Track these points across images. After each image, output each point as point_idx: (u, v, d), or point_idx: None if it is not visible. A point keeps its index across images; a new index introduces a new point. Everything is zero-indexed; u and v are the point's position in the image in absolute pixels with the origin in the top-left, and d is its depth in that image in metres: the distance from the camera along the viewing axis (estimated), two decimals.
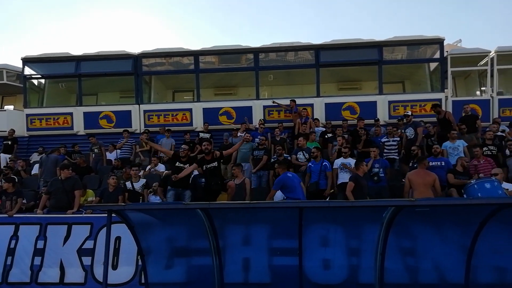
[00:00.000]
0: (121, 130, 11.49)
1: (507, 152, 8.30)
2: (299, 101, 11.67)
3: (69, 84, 13.60)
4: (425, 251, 4.68)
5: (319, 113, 11.96)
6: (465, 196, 6.38)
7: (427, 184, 6.83)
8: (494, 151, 8.35)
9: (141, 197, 7.98)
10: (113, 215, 4.26)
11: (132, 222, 4.51)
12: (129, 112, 12.55)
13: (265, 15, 60.75)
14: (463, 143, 8.61)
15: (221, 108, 12.40)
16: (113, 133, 12.09)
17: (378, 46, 11.97)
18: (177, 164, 7.43)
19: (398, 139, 9.50)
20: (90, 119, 12.60)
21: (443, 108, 11.08)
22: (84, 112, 12.69)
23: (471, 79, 13.32)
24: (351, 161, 7.96)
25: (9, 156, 11.37)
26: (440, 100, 11.46)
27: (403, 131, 9.69)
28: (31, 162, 11.16)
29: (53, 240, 6.74)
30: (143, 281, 5.12)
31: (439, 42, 11.91)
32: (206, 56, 12.76)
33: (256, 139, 10.04)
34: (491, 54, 11.87)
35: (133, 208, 4.54)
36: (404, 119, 9.87)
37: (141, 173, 8.84)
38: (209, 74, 13.10)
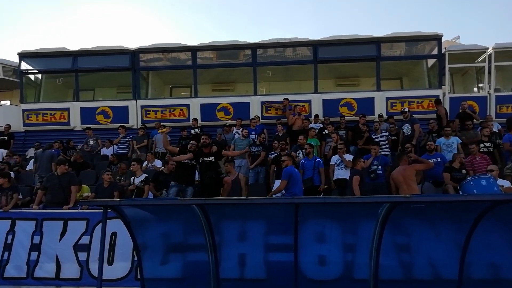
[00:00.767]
0: (117, 125, 11.47)
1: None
2: (297, 97, 11.67)
3: (66, 79, 13.52)
4: (420, 247, 4.70)
5: (317, 109, 11.95)
6: (461, 192, 6.40)
7: (407, 179, 6.93)
8: (490, 148, 8.36)
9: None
10: (109, 210, 4.26)
11: (127, 217, 4.51)
12: (126, 107, 12.50)
13: (263, 11, 60.55)
14: (457, 139, 8.64)
15: (219, 104, 12.37)
16: (110, 128, 12.04)
17: (376, 42, 11.93)
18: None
19: (387, 134, 9.50)
20: (87, 115, 12.54)
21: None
22: (81, 108, 12.64)
23: (468, 76, 13.31)
24: (348, 157, 8.01)
25: (6, 151, 11.32)
26: (437, 96, 11.46)
27: (401, 128, 9.70)
28: (27, 157, 11.13)
29: (49, 236, 6.76)
30: (138, 276, 5.11)
31: (437, 38, 11.89)
32: (203, 51, 12.71)
33: (251, 135, 10.04)
34: (489, 50, 11.85)
35: (129, 203, 4.53)
36: (402, 116, 9.86)
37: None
38: (207, 70, 13.06)
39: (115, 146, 10.92)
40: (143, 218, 4.73)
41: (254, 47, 12.30)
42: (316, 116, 11.26)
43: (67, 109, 12.64)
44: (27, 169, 10.41)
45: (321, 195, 7.74)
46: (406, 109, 9.87)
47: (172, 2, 59.73)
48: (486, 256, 4.64)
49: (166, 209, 4.76)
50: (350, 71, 13.51)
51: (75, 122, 12.60)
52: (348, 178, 7.47)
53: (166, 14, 61.68)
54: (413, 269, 4.82)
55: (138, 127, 11.73)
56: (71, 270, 6.52)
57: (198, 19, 62.77)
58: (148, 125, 11.69)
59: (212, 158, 7.31)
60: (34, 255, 6.65)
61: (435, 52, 12.02)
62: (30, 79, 13.58)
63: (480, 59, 12.25)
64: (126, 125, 11.75)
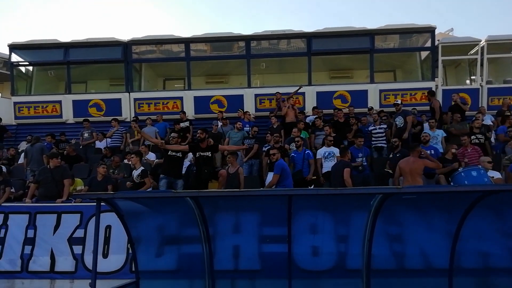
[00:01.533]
0: (110, 118, 11.39)
1: (492, 140, 8.41)
2: (290, 90, 11.67)
3: (57, 72, 13.40)
4: (412, 237, 4.76)
5: (311, 101, 11.97)
6: (452, 183, 6.48)
7: (414, 172, 6.87)
8: (481, 140, 8.46)
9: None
10: (102, 204, 4.25)
11: (121, 210, 4.50)
12: (119, 100, 12.44)
13: (258, 2, 60.09)
14: (442, 133, 8.79)
15: (213, 96, 12.34)
16: (103, 121, 11.96)
17: (369, 34, 11.95)
18: (169, 153, 7.43)
19: (385, 126, 9.57)
20: (80, 107, 12.46)
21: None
22: (73, 100, 12.55)
23: (461, 68, 13.41)
24: (335, 150, 8.08)
25: None
26: (430, 88, 11.53)
27: (393, 120, 9.76)
28: (19, 151, 11.03)
29: (43, 229, 6.75)
30: (133, 269, 5.13)
31: (430, 30, 11.93)
32: (197, 43, 12.64)
33: (245, 128, 10.04)
34: (481, 43, 11.92)
35: (122, 196, 4.51)
36: (394, 108, 9.90)
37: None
38: (200, 62, 13.01)
39: (108, 139, 10.86)
40: (137, 211, 4.73)
41: (247, 39, 12.26)
42: (315, 108, 11.23)
43: (59, 102, 12.55)
44: (19, 162, 10.33)
45: (312, 186, 7.80)
46: (399, 101, 9.90)
47: None
48: (477, 245, 4.71)
49: (160, 202, 4.76)
50: (344, 63, 13.54)
51: (68, 115, 12.52)
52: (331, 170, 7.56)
53: (161, 5, 61.00)
54: (405, 259, 4.88)
55: (131, 119, 11.67)
56: (66, 263, 6.52)
57: (193, 10, 62.18)
58: (141, 117, 11.63)
59: (209, 153, 7.31)
60: (28, 249, 6.64)
61: (428, 44, 12.06)
62: (21, 71, 13.44)
63: (472, 51, 12.34)
64: (119, 118, 11.68)
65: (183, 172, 7.87)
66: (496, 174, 7.06)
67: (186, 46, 12.37)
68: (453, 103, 10.23)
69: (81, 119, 11.94)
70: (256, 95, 12.18)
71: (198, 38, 12.45)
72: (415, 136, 9.16)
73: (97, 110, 12.44)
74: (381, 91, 11.98)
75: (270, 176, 7.71)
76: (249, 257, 5.10)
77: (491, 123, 9.98)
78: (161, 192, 6.35)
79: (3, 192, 7.24)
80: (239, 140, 9.52)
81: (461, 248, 4.58)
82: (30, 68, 13.43)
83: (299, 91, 11.44)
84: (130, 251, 5.53)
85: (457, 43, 12.36)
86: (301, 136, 8.79)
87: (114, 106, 12.34)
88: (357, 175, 7.71)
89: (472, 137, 8.40)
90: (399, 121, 9.42)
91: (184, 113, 11.61)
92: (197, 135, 7.46)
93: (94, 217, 6.35)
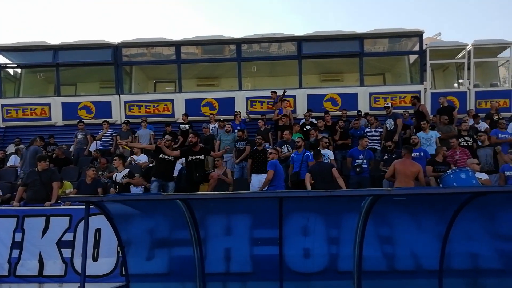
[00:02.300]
0: (101, 121, 11.30)
1: (479, 143, 8.52)
2: (281, 93, 11.68)
3: (46, 74, 13.23)
4: (402, 239, 4.80)
5: (301, 104, 12.01)
6: (441, 185, 6.55)
7: (409, 174, 6.90)
8: (470, 142, 8.58)
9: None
10: (92, 206, 4.20)
11: (111, 213, 4.46)
12: (109, 102, 12.32)
13: (250, 6, 60.29)
14: (436, 134, 8.86)
15: (204, 99, 12.31)
16: (93, 124, 11.83)
17: (359, 38, 12.05)
18: (161, 155, 7.40)
19: (381, 130, 9.65)
20: (69, 110, 12.30)
21: (423, 99, 11.32)
22: (62, 103, 12.38)
23: (449, 72, 13.59)
24: (329, 153, 8.16)
25: None
26: (419, 92, 11.66)
27: (383, 122, 9.86)
28: (7, 153, 10.86)
29: (31, 233, 6.63)
30: (124, 272, 5.08)
31: (418, 35, 12.08)
32: (188, 46, 12.61)
33: (235, 131, 10.04)
34: (468, 47, 12.11)
35: (112, 199, 4.49)
36: (385, 111, 10.00)
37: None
38: (191, 65, 12.98)
39: (98, 142, 10.76)
40: (127, 213, 4.69)
41: (238, 42, 12.27)
42: (309, 111, 11.22)
43: (48, 104, 12.38)
44: (7, 165, 10.18)
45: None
46: (389, 104, 10.01)
47: None
48: (466, 247, 4.77)
49: (150, 205, 4.73)
50: (334, 66, 13.62)
51: (57, 118, 12.36)
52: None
53: (151, 8, 60.84)
54: (396, 260, 4.92)
55: (122, 122, 11.59)
56: (54, 267, 6.43)
57: (183, 13, 62.11)
58: (132, 120, 11.56)
59: (201, 157, 7.32)
60: (16, 253, 6.52)
61: (416, 48, 12.22)
62: (9, 73, 13.26)
63: (460, 55, 12.54)
64: (110, 120, 11.58)
65: (176, 175, 7.86)
66: (483, 176, 7.17)
67: (177, 49, 12.33)
68: (441, 106, 10.38)
69: (70, 122, 11.82)
70: (248, 98, 12.19)
71: (188, 41, 12.41)
72: (406, 139, 9.27)
73: (86, 112, 12.31)
74: (371, 94, 12.08)
75: (254, 178, 7.89)
76: (240, 260, 5.09)
77: (484, 128, 10.08)
78: (151, 194, 6.30)
79: None
80: (230, 143, 9.52)
81: (451, 250, 4.63)
82: (19, 70, 13.25)
83: (285, 94, 11.47)
84: (121, 255, 5.49)
85: (445, 47, 12.54)
86: (293, 138, 8.83)
87: (104, 109, 12.22)
88: (354, 176, 7.75)
89: (461, 139, 8.51)
90: (390, 123, 9.52)
91: (187, 115, 11.55)
92: (189, 139, 7.49)
93: (83, 220, 6.34)
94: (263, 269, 4.96)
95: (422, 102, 10.84)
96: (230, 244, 5.10)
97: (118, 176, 7.87)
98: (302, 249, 4.99)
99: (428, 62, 11.99)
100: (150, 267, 5.08)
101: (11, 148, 11.09)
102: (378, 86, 12.77)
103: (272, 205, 4.51)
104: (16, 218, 6.70)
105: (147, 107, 12.31)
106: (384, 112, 10.03)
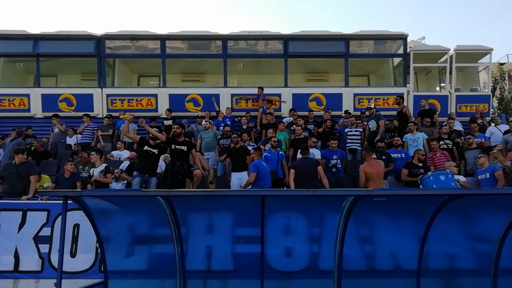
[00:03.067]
0: (81, 114, 11.08)
1: (466, 145, 8.68)
2: (267, 91, 11.68)
3: (26, 64, 12.85)
4: (382, 239, 4.86)
5: (287, 103, 12.04)
6: (421, 187, 6.66)
7: (380, 174, 7.13)
8: (449, 145, 8.76)
9: None
10: (70, 201, 4.10)
11: (89, 209, 4.37)
12: (91, 95, 12.07)
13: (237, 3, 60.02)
14: (423, 135, 9.00)
15: (188, 94, 12.20)
16: (73, 117, 11.61)
17: (345, 39, 12.15)
18: (145, 148, 7.28)
19: (361, 130, 9.75)
20: (49, 102, 12.00)
21: (405, 101, 11.48)
22: (42, 94, 12.07)
23: (431, 75, 13.84)
24: (315, 152, 8.20)
25: None
26: (402, 94, 11.84)
27: (365, 123, 9.97)
28: None
29: (6, 227, 6.50)
30: (102, 269, 4.99)
31: (402, 38, 12.27)
32: (173, 40, 12.46)
33: (220, 127, 9.97)
34: (450, 52, 12.36)
35: (90, 194, 4.39)
36: (367, 112, 10.12)
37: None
38: (176, 60, 12.81)
39: (79, 135, 10.54)
40: (106, 209, 4.60)
41: (225, 38, 12.20)
42: (292, 110, 11.27)
43: (27, 96, 12.04)
44: None
45: (285, 188, 7.85)
46: (372, 106, 10.14)
47: None
48: (443, 247, 4.87)
49: (130, 201, 4.65)
50: (320, 66, 13.69)
51: (36, 109, 12.03)
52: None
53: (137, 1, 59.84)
54: (375, 260, 4.98)
55: (104, 116, 11.37)
56: (31, 262, 6.32)
57: (171, 7, 61.33)
58: (114, 114, 11.36)
59: (184, 148, 7.22)
60: None
61: (400, 51, 12.40)
62: None
63: (442, 59, 12.78)
64: (91, 113, 11.36)
65: (159, 170, 7.77)
66: (461, 178, 7.34)
67: (161, 43, 12.17)
68: (422, 108, 10.57)
69: (50, 114, 11.51)
70: (233, 95, 12.13)
71: (174, 35, 12.26)
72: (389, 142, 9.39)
73: (67, 105, 12.03)
74: (355, 94, 12.21)
75: (234, 176, 7.92)
76: (221, 258, 5.08)
77: (462, 129, 10.35)
78: (131, 190, 6.21)
79: None
80: (211, 140, 9.44)
81: (428, 250, 4.72)
82: None
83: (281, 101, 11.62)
84: (99, 251, 5.39)
85: (428, 51, 12.77)
86: (281, 137, 8.84)
87: (85, 102, 11.97)
88: (330, 177, 7.82)
89: (441, 142, 8.68)
90: (372, 124, 9.63)
91: (170, 110, 11.40)
92: (173, 129, 7.41)
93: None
94: (244, 267, 4.95)
95: (405, 104, 11.01)
96: (212, 242, 5.07)
97: (96, 171, 7.72)
98: (283, 247, 5.00)
99: (412, 65, 12.19)
100: (130, 264, 5.00)
101: None
102: (362, 87, 12.92)
103: (254, 204, 4.50)
104: None
105: (130, 101, 12.12)
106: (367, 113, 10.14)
